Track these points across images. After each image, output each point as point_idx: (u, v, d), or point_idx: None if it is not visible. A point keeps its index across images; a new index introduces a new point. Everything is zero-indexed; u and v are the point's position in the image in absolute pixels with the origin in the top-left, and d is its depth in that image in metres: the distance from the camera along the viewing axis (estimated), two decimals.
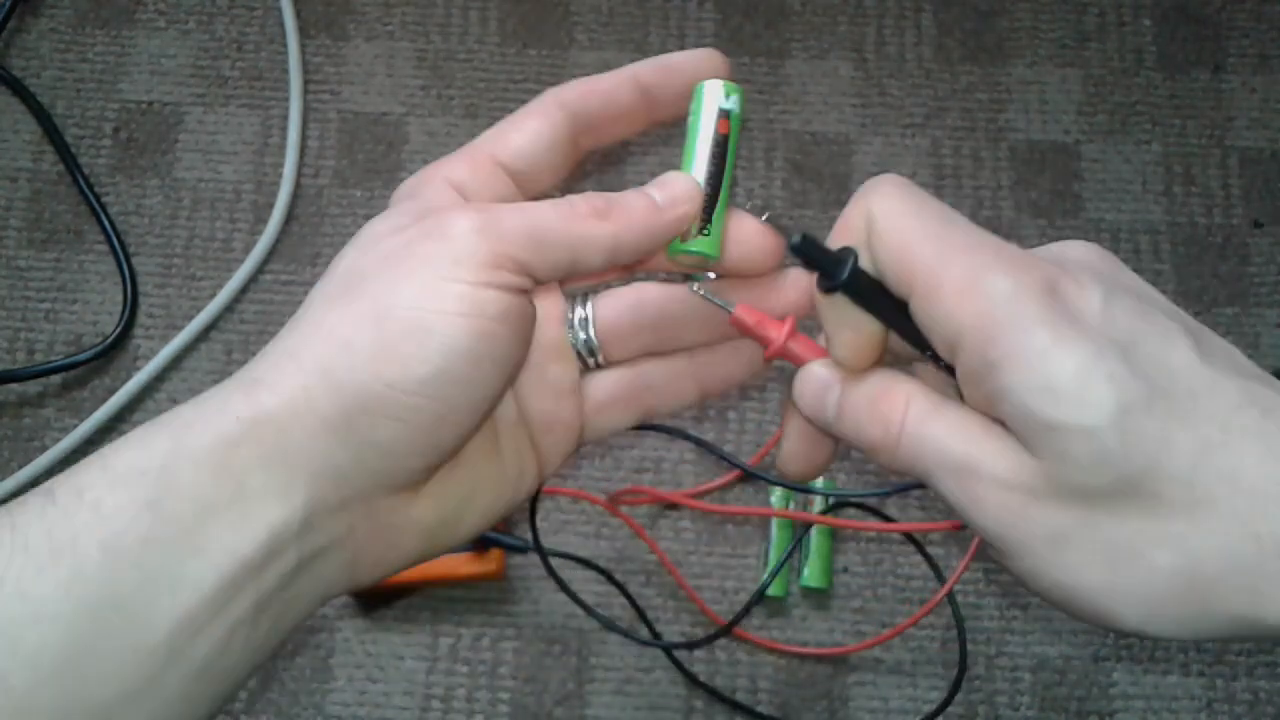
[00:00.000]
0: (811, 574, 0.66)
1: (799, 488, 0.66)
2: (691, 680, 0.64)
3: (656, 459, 0.69)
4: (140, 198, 0.74)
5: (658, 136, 0.72)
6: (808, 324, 0.37)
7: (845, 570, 0.67)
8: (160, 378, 0.70)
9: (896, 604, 0.66)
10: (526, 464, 0.38)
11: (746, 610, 0.64)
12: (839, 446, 0.38)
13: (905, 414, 0.33)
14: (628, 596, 0.65)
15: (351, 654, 0.65)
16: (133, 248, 0.73)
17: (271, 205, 0.74)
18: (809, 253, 0.33)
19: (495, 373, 0.33)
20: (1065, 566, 0.31)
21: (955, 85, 0.77)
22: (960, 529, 0.34)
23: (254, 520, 0.31)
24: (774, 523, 0.67)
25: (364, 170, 0.75)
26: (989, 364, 0.31)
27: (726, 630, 0.64)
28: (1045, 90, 0.77)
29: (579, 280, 0.39)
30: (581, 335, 0.39)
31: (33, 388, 0.70)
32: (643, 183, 0.37)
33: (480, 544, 0.64)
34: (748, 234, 0.37)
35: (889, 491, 0.65)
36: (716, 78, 0.37)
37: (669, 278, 0.39)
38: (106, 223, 0.73)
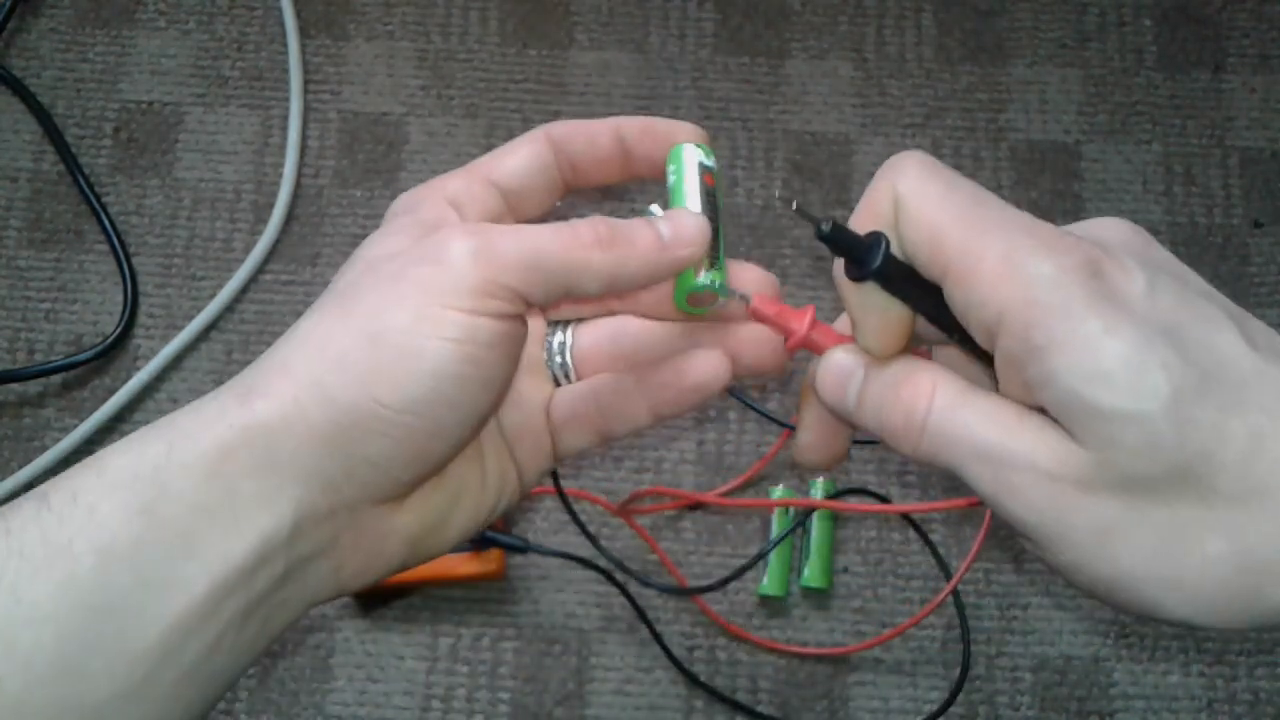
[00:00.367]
0: (811, 574, 0.66)
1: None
2: (692, 680, 0.64)
3: (657, 459, 0.69)
4: (140, 198, 0.74)
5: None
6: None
7: (845, 570, 0.67)
8: (160, 378, 0.70)
9: (896, 604, 0.66)
10: (508, 473, 0.39)
11: (753, 562, 0.64)
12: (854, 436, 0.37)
13: (931, 401, 0.33)
14: (628, 596, 0.65)
15: (351, 654, 0.65)
16: (133, 248, 0.73)
17: (271, 205, 0.74)
18: (838, 240, 0.32)
19: (484, 394, 0.34)
20: (1112, 558, 0.30)
21: (955, 85, 0.77)
22: (977, 504, 0.33)
23: (245, 526, 0.32)
24: (774, 523, 0.66)
25: (364, 170, 0.75)
26: (1033, 349, 0.30)
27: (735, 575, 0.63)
28: (1045, 90, 0.77)
29: (575, 304, 0.39)
30: (559, 359, 0.39)
31: (33, 388, 0.70)
32: (649, 200, 0.37)
33: (480, 544, 0.64)
34: (750, 279, 0.37)
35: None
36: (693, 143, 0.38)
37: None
38: (107, 223, 0.73)
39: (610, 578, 0.65)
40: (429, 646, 0.66)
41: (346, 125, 0.76)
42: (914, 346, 0.35)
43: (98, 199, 0.73)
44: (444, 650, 0.65)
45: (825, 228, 0.32)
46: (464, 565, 0.64)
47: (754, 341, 0.38)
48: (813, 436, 0.38)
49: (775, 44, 0.78)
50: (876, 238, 0.32)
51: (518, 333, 0.34)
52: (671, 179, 0.37)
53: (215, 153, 0.75)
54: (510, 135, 0.77)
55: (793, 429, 0.57)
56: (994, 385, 0.33)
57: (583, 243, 0.34)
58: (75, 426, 0.69)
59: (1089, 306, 0.29)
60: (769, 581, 0.66)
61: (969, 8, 0.79)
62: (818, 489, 0.67)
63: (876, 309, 0.33)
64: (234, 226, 0.74)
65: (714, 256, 0.36)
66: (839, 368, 0.35)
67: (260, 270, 0.73)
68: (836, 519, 0.67)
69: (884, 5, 0.79)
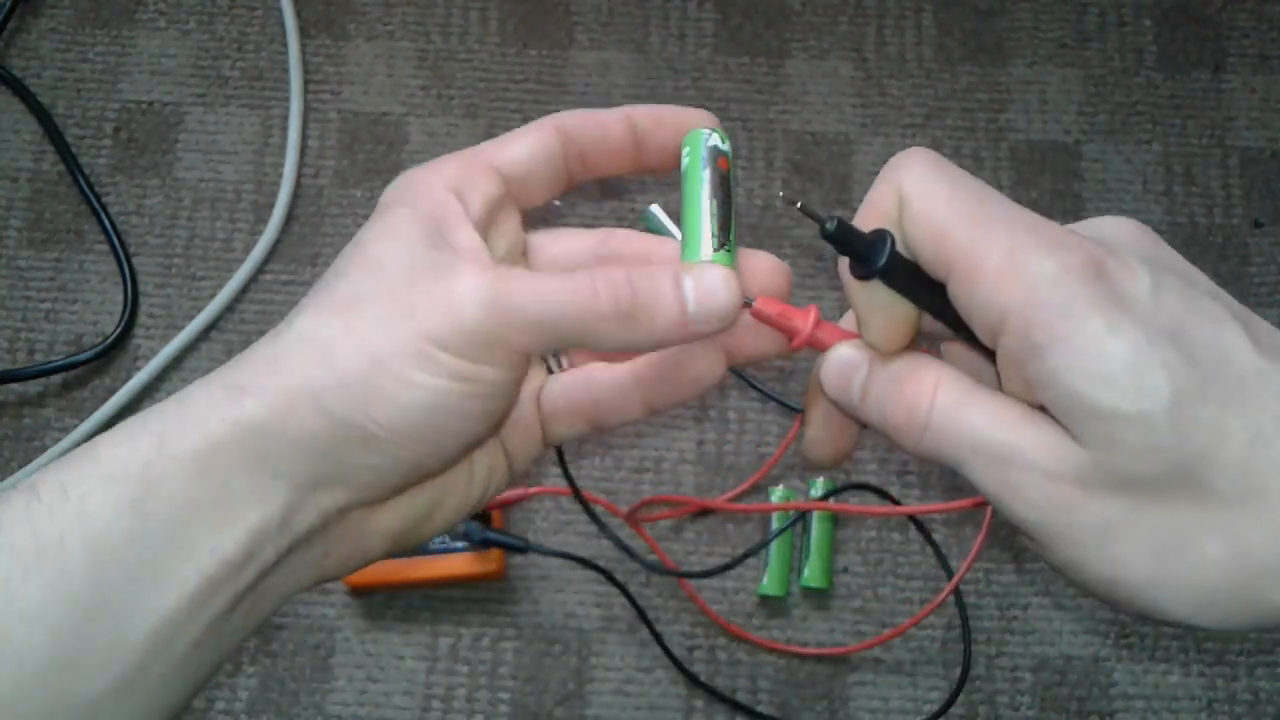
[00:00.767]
0: (811, 574, 0.66)
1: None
2: (692, 680, 0.64)
3: (656, 459, 0.69)
4: (140, 198, 0.74)
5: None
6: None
7: (845, 570, 0.67)
8: (160, 378, 0.70)
9: (896, 604, 0.66)
10: (497, 463, 0.39)
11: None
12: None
13: (934, 398, 0.32)
14: (628, 596, 0.65)
15: (351, 654, 0.65)
16: (133, 248, 0.73)
17: (271, 205, 0.74)
18: (843, 238, 0.32)
19: (484, 423, 0.34)
20: (1112, 558, 0.30)
21: (955, 85, 0.77)
22: (982, 504, 0.33)
23: (236, 521, 0.32)
24: (774, 523, 0.66)
25: (364, 170, 0.75)
26: (1035, 348, 0.30)
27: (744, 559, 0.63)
28: (1045, 90, 0.77)
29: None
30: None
31: (33, 388, 0.70)
32: (649, 200, 0.36)
33: (480, 544, 0.64)
34: (762, 267, 0.37)
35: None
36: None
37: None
38: (107, 223, 0.73)
39: (610, 578, 0.65)
40: (429, 646, 0.66)
41: (346, 125, 0.76)
42: (921, 344, 0.35)
43: (98, 199, 0.73)
44: (444, 650, 0.65)
45: (830, 226, 0.32)
46: (464, 565, 0.64)
47: (755, 328, 0.38)
48: (820, 432, 0.38)
49: (775, 44, 0.78)
50: (881, 236, 0.32)
51: (521, 373, 0.34)
52: (686, 161, 0.37)
53: (215, 153, 0.75)
54: None
55: (802, 412, 0.57)
56: (999, 383, 0.33)
57: (601, 312, 0.33)
58: (75, 426, 0.69)
59: (1091, 306, 0.29)
60: (769, 581, 0.66)
61: (969, 8, 0.79)
62: (818, 488, 0.67)
63: (881, 307, 0.33)
64: (234, 226, 0.74)
65: (724, 239, 0.36)
66: (844, 362, 0.35)
67: (260, 270, 0.73)
68: (836, 518, 0.67)
69: (884, 5, 0.79)
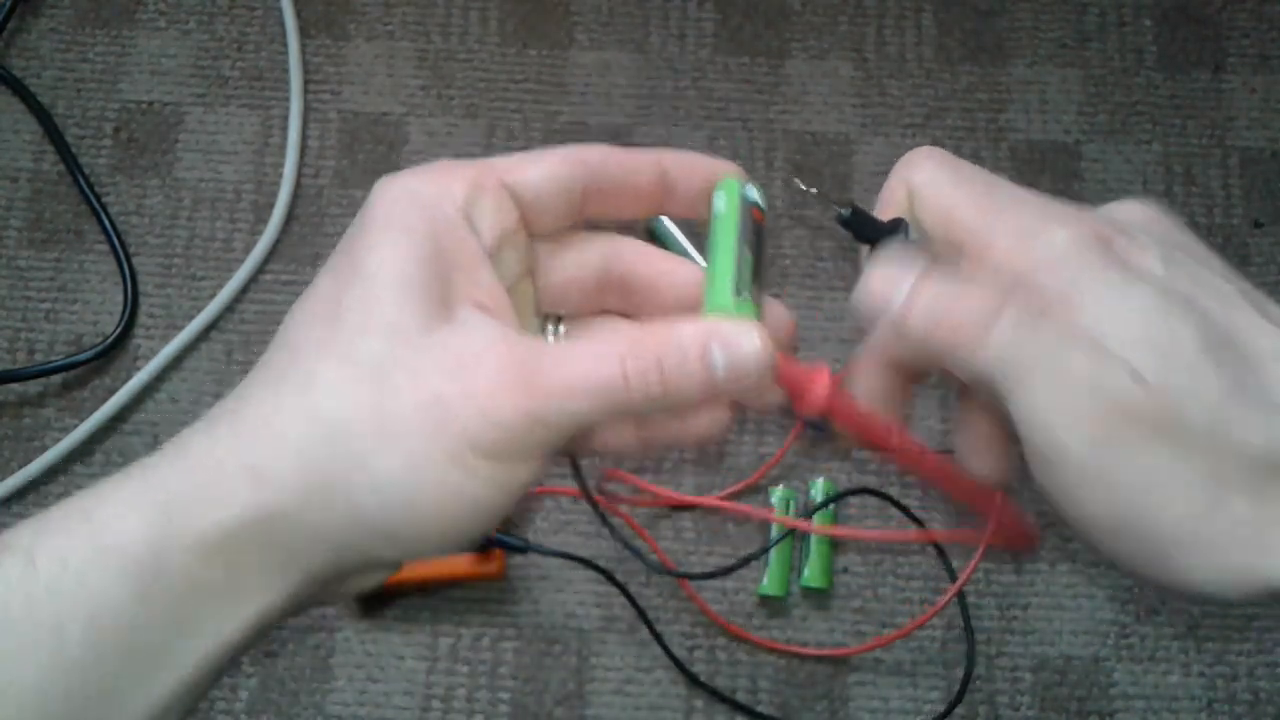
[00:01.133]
0: (811, 574, 0.66)
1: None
2: (692, 680, 0.64)
3: (656, 459, 0.69)
4: (140, 198, 0.74)
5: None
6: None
7: (845, 570, 0.67)
8: (160, 378, 0.70)
9: (897, 604, 0.66)
10: None
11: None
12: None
13: (1000, 314, 0.30)
14: (628, 596, 0.65)
15: (351, 654, 0.65)
16: (133, 248, 0.73)
17: (272, 205, 0.74)
18: (859, 224, 0.33)
19: (502, 509, 0.33)
20: (1155, 513, 0.30)
21: (955, 85, 0.77)
22: (974, 539, 0.33)
23: (245, 607, 0.31)
24: (773, 524, 0.66)
25: (364, 170, 0.75)
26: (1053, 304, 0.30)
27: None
28: (1045, 90, 0.77)
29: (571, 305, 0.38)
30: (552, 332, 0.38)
31: (33, 388, 0.70)
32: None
33: (480, 544, 0.64)
34: (778, 317, 0.36)
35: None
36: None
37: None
38: (107, 223, 0.73)
39: (611, 578, 0.65)
40: (429, 646, 0.66)
41: (346, 125, 0.76)
42: None
43: (98, 199, 0.73)
44: (444, 650, 0.65)
45: (845, 212, 0.32)
46: (464, 565, 0.64)
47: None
48: (875, 382, 0.35)
49: (775, 44, 0.78)
50: (896, 223, 0.33)
51: (540, 472, 0.33)
52: (721, 207, 0.35)
53: (215, 153, 0.75)
54: (511, 135, 0.78)
55: (805, 423, 0.56)
56: None
57: (631, 399, 0.31)
58: (75, 426, 0.69)
59: (1106, 267, 0.30)
60: (769, 581, 0.66)
61: (969, 8, 0.79)
62: (817, 489, 0.67)
63: None
64: (234, 226, 0.74)
65: (753, 290, 0.34)
66: (893, 269, 0.32)
67: (260, 270, 0.73)
68: (837, 519, 0.67)
69: (884, 5, 0.79)
